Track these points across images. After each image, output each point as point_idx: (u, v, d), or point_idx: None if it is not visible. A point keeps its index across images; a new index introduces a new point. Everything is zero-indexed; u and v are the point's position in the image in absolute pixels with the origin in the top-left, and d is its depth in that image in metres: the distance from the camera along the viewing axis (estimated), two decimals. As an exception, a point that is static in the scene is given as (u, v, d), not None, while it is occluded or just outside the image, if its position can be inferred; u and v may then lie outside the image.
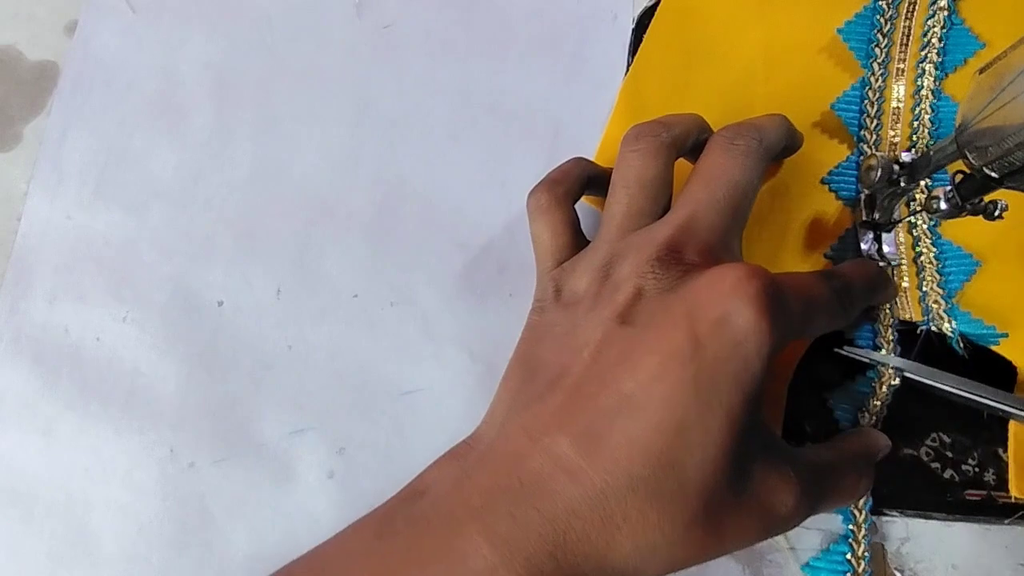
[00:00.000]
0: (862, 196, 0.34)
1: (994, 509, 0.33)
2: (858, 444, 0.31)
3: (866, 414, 0.33)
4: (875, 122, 0.36)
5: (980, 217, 0.28)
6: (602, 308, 0.27)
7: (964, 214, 0.28)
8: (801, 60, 0.37)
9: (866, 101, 0.36)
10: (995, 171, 0.25)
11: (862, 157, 0.36)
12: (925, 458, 0.34)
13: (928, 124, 0.35)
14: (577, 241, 0.32)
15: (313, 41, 0.43)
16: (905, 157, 0.32)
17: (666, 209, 0.31)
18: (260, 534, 0.35)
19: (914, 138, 0.35)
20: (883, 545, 0.33)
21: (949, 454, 0.34)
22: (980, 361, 0.33)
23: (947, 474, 0.33)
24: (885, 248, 0.34)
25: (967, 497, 0.33)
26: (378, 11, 0.43)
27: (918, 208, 0.34)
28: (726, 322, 0.24)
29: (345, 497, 0.36)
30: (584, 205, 0.39)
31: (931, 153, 0.30)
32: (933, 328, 0.33)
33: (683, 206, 0.29)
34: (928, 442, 0.34)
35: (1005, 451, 0.33)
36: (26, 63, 0.44)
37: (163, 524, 0.36)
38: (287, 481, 0.36)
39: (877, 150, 0.36)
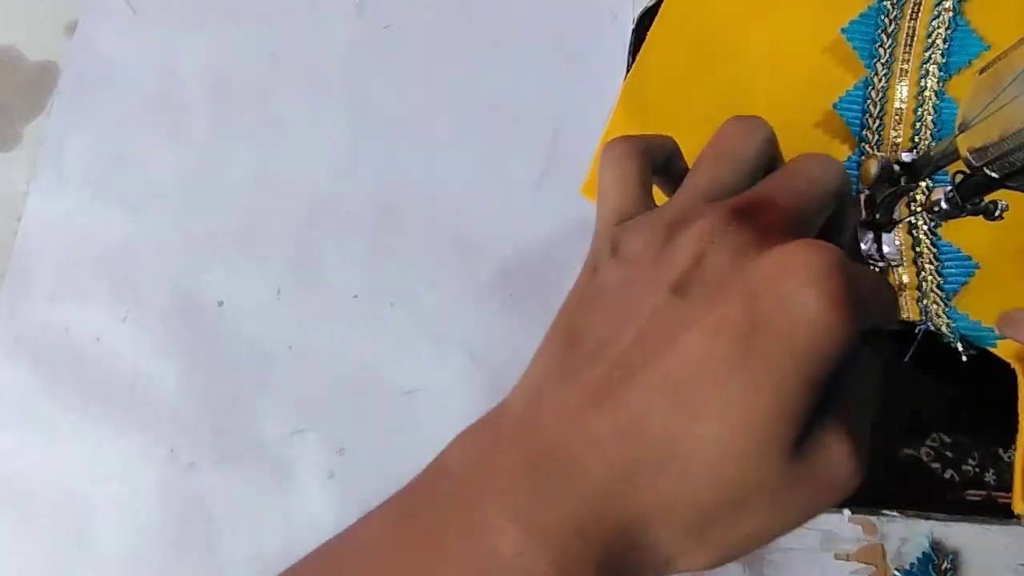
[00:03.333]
0: (862, 196, 0.34)
1: (994, 509, 0.33)
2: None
3: None
4: (877, 122, 0.36)
5: (981, 218, 0.28)
6: (657, 275, 0.25)
7: (964, 214, 0.28)
8: (804, 59, 0.37)
9: (869, 101, 0.36)
10: (995, 171, 0.25)
11: (863, 157, 0.36)
12: (925, 458, 0.34)
13: (931, 125, 0.35)
14: (645, 202, 0.29)
15: (313, 41, 0.43)
16: (905, 157, 0.32)
17: None
18: (260, 534, 0.35)
19: (916, 139, 0.35)
20: (883, 545, 0.33)
21: (949, 454, 0.34)
22: (981, 363, 0.33)
23: (947, 474, 0.33)
24: (885, 248, 0.34)
25: (967, 497, 0.33)
26: (378, 11, 0.43)
27: (918, 208, 0.34)
28: (792, 302, 0.22)
29: (345, 497, 0.36)
30: (584, 203, 0.39)
31: (931, 153, 0.30)
32: (931, 328, 0.33)
33: (763, 186, 0.27)
34: (928, 442, 0.34)
35: (1005, 451, 0.33)
36: (26, 63, 0.44)
37: (163, 524, 0.36)
38: (287, 481, 0.36)
39: (879, 150, 0.36)
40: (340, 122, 0.41)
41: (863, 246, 0.34)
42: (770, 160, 0.29)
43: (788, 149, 0.37)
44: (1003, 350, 0.33)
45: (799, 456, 0.24)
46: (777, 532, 0.23)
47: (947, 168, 0.30)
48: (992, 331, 0.32)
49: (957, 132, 0.26)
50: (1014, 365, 0.32)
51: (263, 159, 0.41)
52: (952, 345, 0.33)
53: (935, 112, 0.34)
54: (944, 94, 0.35)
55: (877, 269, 0.34)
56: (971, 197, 0.27)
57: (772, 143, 0.29)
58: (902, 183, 0.32)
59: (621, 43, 0.40)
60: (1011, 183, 0.25)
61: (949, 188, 0.28)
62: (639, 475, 0.23)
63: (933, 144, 0.35)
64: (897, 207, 0.34)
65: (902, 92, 0.35)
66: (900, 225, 0.35)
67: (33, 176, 0.41)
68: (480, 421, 0.27)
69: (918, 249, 0.34)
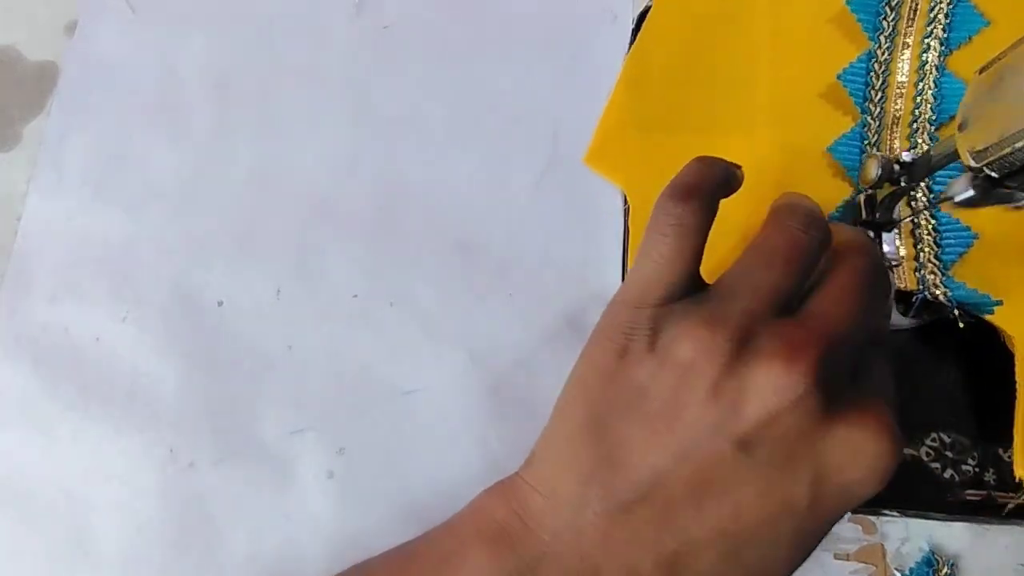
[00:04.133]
0: (862, 196, 0.35)
1: (994, 509, 0.33)
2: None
3: None
4: (880, 95, 0.36)
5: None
6: (721, 415, 0.24)
7: (990, 203, 0.28)
8: (809, 30, 0.37)
9: (872, 74, 0.36)
10: (995, 171, 0.25)
11: (864, 128, 0.36)
12: (925, 458, 0.34)
13: (931, 99, 0.35)
14: (695, 283, 0.27)
15: (313, 41, 0.43)
16: (906, 157, 0.32)
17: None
18: (260, 534, 0.35)
19: (916, 112, 0.36)
20: (883, 545, 0.33)
21: (949, 454, 0.34)
22: (981, 363, 0.33)
23: (947, 474, 0.33)
24: (885, 248, 0.34)
25: (967, 497, 0.33)
26: (378, 11, 0.43)
27: (922, 207, 0.34)
28: (851, 490, 0.24)
29: (345, 497, 0.36)
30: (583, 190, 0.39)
31: (931, 153, 0.30)
32: (928, 297, 0.33)
33: (830, 313, 0.25)
34: (928, 442, 0.34)
35: (1005, 451, 0.33)
36: (26, 63, 0.44)
37: (163, 524, 0.36)
38: (287, 481, 0.36)
39: (880, 123, 0.36)
40: (340, 122, 0.41)
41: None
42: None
43: (792, 118, 0.38)
44: (999, 317, 0.33)
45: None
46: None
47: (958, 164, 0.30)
48: (989, 298, 0.32)
49: (957, 132, 0.26)
50: (1009, 332, 0.33)
51: (263, 159, 0.41)
52: (950, 315, 0.33)
53: (936, 86, 0.35)
54: (944, 68, 0.35)
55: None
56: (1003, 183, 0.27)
57: (828, 233, 0.28)
58: (902, 183, 0.32)
59: (621, 43, 0.41)
60: (1011, 183, 0.25)
61: (974, 177, 0.27)
62: None
63: (933, 117, 0.35)
64: (898, 207, 0.34)
65: (904, 65, 0.36)
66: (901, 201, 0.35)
67: (33, 176, 0.41)
68: (498, 515, 0.26)
69: (917, 220, 0.34)
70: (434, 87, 0.41)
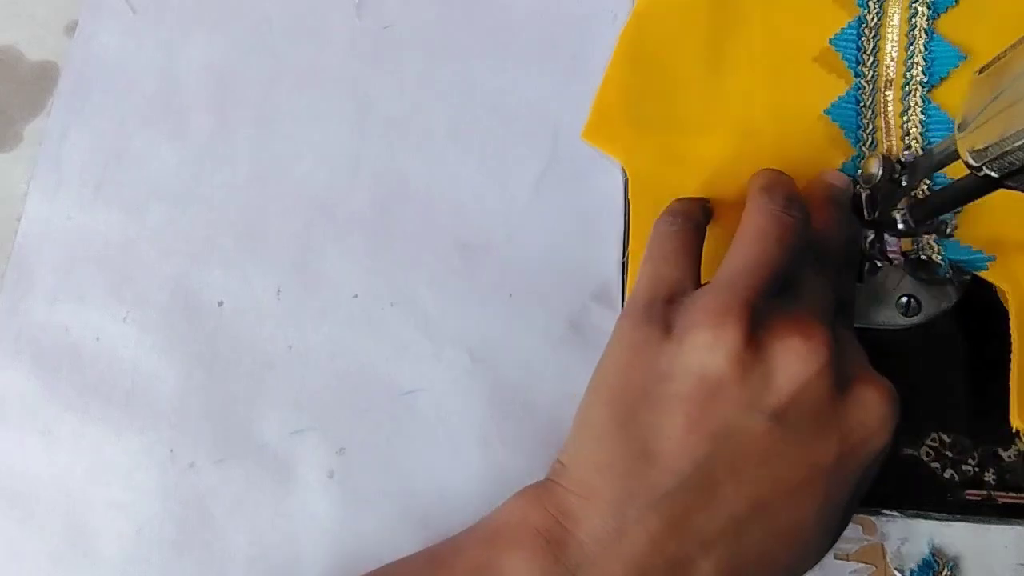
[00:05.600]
0: (863, 195, 0.35)
1: (994, 509, 0.33)
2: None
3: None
4: (871, 58, 0.37)
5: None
6: (753, 394, 0.25)
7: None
8: None
9: (863, 38, 0.36)
10: (995, 171, 0.25)
11: (859, 92, 0.36)
12: (925, 458, 0.34)
13: (922, 62, 0.36)
14: (697, 279, 0.30)
15: (313, 41, 0.43)
16: (906, 156, 0.32)
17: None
18: (260, 534, 0.35)
19: (908, 75, 0.36)
20: (883, 545, 0.33)
21: (949, 454, 0.34)
22: (981, 362, 0.33)
23: (947, 474, 0.33)
24: (889, 249, 0.34)
25: (967, 497, 0.33)
26: (378, 11, 0.43)
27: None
28: (870, 443, 0.26)
29: (345, 497, 0.36)
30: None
31: (933, 152, 0.30)
32: (923, 257, 0.33)
33: (816, 290, 0.28)
34: (928, 442, 0.34)
35: (1005, 451, 0.33)
36: (26, 63, 0.44)
37: (163, 524, 0.36)
38: (287, 481, 0.36)
39: (874, 85, 0.36)
40: (340, 122, 0.41)
41: (866, 245, 0.34)
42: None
43: (788, 83, 0.38)
44: (992, 273, 0.33)
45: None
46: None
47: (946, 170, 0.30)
48: (982, 254, 0.33)
49: (956, 132, 0.26)
50: (1003, 287, 0.33)
51: (263, 159, 0.41)
52: (944, 274, 0.33)
53: (926, 49, 0.35)
54: (933, 32, 0.36)
55: (879, 265, 0.34)
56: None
57: (806, 208, 0.31)
58: (903, 183, 0.32)
59: (621, 43, 0.40)
60: (1010, 182, 0.25)
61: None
62: None
63: (925, 80, 0.35)
64: (900, 206, 0.34)
65: (893, 31, 0.36)
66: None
67: (33, 176, 0.41)
68: (537, 521, 0.26)
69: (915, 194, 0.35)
70: (434, 87, 0.41)
